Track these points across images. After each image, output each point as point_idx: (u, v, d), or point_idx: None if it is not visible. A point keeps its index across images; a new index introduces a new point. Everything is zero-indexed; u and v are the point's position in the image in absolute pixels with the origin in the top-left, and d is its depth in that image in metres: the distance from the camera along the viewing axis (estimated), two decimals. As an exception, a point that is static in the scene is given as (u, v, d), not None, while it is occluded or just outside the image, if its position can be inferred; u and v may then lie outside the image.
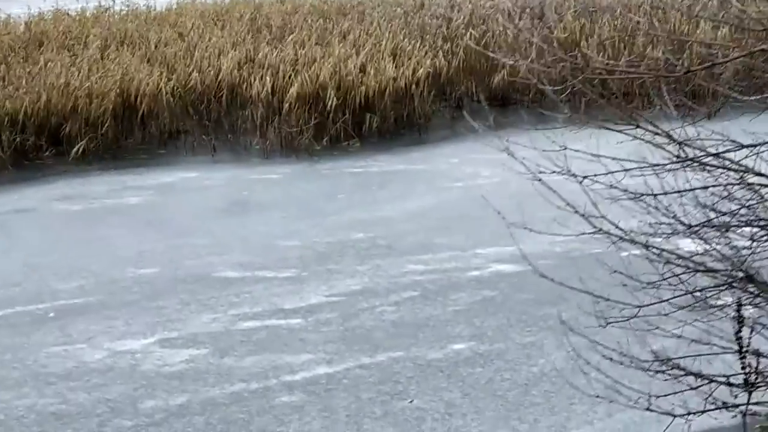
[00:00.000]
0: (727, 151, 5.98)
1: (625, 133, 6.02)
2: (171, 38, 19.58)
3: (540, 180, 5.94)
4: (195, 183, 14.20)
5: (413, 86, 16.87)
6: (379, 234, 11.48)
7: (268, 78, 16.37)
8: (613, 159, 6.10)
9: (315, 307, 9.24)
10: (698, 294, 6.10)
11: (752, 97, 5.56)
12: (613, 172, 6.22)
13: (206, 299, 9.42)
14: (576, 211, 6.06)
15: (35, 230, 11.87)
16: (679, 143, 6.07)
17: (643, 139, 6.00)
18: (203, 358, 8.16)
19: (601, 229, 6.46)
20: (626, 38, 17.57)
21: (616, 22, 19.36)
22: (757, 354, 5.90)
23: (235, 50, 17.93)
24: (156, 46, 19.07)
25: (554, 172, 5.99)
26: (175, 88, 16.41)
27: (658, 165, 6.18)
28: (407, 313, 9.12)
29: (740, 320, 5.79)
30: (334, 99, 16.11)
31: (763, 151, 6.09)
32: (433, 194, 13.16)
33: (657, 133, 5.94)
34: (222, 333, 8.64)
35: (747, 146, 5.92)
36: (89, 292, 9.64)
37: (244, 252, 10.85)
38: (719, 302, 6.24)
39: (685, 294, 6.16)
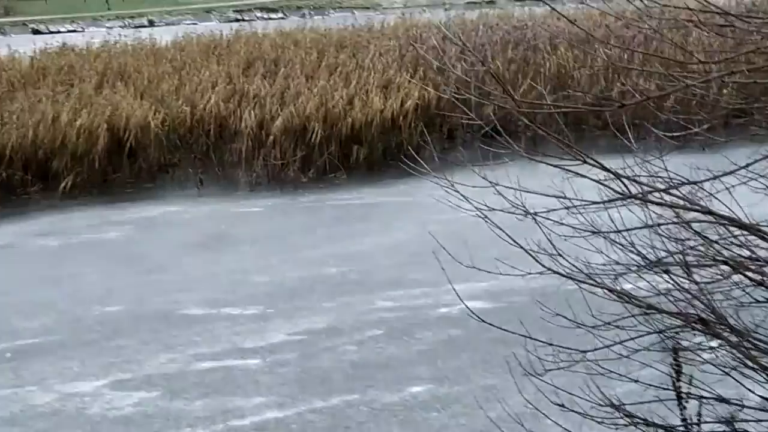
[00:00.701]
0: (671, 187, 5.79)
1: (566, 169, 5.87)
2: (166, 73, 19.63)
3: (485, 218, 5.78)
4: (176, 217, 14.11)
5: (400, 118, 16.77)
6: (352, 269, 11.31)
7: (254, 111, 16.34)
8: (559, 197, 5.93)
9: (275, 346, 9.07)
10: (655, 336, 5.92)
11: (674, 134, 5.36)
12: (554, 210, 6.05)
13: (167, 338, 9.27)
14: (525, 250, 5.91)
15: (7, 267, 11.81)
16: (621, 179, 5.89)
17: (588, 177, 5.83)
18: (153, 401, 7.99)
19: (550, 269, 6.31)
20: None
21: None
22: (700, 400, 5.69)
23: (227, 84, 17.93)
24: (150, 81, 19.12)
25: (504, 209, 5.81)
26: (164, 122, 16.39)
27: (598, 202, 6.01)
28: (369, 353, 8.93)
29: (677, 369, 5.59)
30: (320, 131, 16.04)
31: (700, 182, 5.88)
32: (413, 227, 12.97)
33: (606, 169, 5.78)
34: (176, 374, 8.48)
35: (691, 183, 5.72)
36: (50, 331, 9.52)
37: (212, 288, 10.71)
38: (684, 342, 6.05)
39: (641, 336, 5.98)
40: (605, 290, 6.00)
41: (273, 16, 67.47)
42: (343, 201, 14.68)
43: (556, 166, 5.98)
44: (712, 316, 5.98)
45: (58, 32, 56.86)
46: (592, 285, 6.00)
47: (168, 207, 14.69)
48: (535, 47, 20.10)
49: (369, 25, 27.34)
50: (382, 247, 12.18)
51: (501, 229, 5.94)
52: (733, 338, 6.01)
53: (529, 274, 6.20)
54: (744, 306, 5.98)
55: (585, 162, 5.96)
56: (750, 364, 6.02)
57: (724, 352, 6.00)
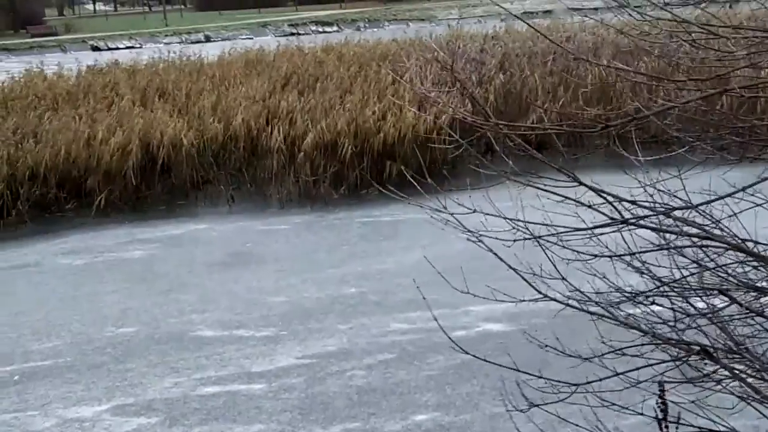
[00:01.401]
0: (661, 212, 5.49)
1: (556, 193, 5.62)
2: (205, 89, 19.70)
3: (479, 241, 5.56)
4: (203, 235, 14.06)
5: (434, 132, 16.51)
6: (372, 289, 11.10)
7: (285, 127, 16.26)
8: (546, 224, 5.69)
9: (283, 370, 8.88)
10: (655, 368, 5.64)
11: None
12: (542, 237, 5.81)
13: (175, 361, 9.15)
14: (522, 276, 5.70)
15: (29, 286, 11.84)
16: (612, 204, 5.63)
17: (579, 202, 5.58)
18: (151, 428, 7.86)
19: (546, 295, 6.10)
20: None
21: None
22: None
23: (263, 100, 17.90)
24: (188, 97, 19.20)
25: (512, 229, 5.59)
26: (197, 139, 16.40)
27: (584, 228, 5.74)
28: (377, 378, 8.69)
29: (663, 408, 5.28)
30: (352, 147, 15.89)
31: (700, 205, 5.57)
32: (440, 245, 12.66)
33: (597, 192, 5.52)
34: (179, 399, 8.34)
35: (678, 208, 5.41)
36: (60, 353, 9.48)
37: (228, 309, 10.59)
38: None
39: (642, 368, 5.69)
40: (604, 318, 5.77)
41: (327, 29, 67.96)
42: (373, 218, 14.49)
43: (545, 189, 5.73)
44: (729, 344, 5.66)
45: (117, 49, 58.03)
46: (588, 312, 5.77)
47: (197, 224, 14.65)
48: (578, 58, 19.70)
49: (417, 37, 27.15)
50: (405, 265, 11.94)
51: (494, 253, 5.72)
52: (746, 368, 5.69)
53: (522, 300, 5.98)
54: (748, 336, 5.65)
55: (581, 184, 5.70)
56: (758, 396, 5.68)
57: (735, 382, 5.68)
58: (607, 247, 5.71)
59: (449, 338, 5.63)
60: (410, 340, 9.55)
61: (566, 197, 5.83)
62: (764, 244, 5.66)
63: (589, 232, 5.91)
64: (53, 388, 8.67)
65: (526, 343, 5.81)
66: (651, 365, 5.66)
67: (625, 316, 5.70)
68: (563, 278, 6.01)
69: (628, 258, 5.73)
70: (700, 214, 5.61)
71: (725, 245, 5.53)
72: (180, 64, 25.64)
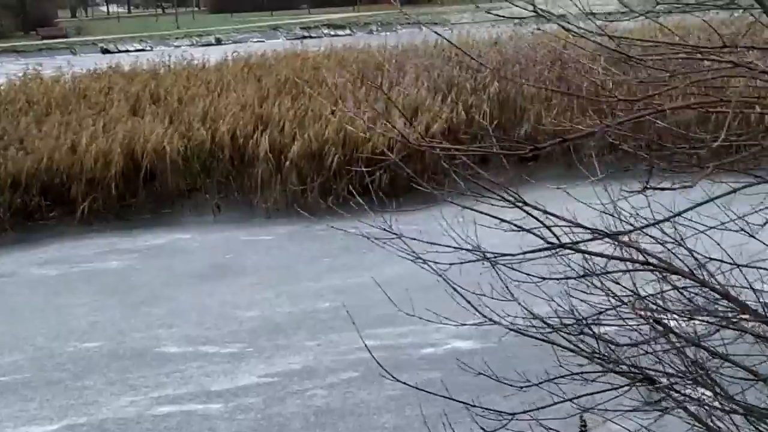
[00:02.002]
0: (596, 237, 5.26)
1: (493, 217, 5.41)
2: (199, 95, 19.52)
3: (423, 261, 5.37)
4: (185, 245, 13.87)
5: (424, 140, 16.24)
6: (346, 303, 10.78)
7: (273, 135, 16.05)
8: (474, 251, 5.48)
9: (243, 389, 8.67)
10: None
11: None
12: (490, 259, 5.61)
13: (134, 378, 8.96)
14: (467, 300, 5.52)
15: (0, 297, 11.68)
16: (549, 228, 5.42)
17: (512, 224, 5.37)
18: (99, 448, 7.66)
19: (491, 319, 5.93)
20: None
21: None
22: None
23: (254, 107, 17.71)
24: (180, 103, 19.03)
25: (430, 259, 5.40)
26: (184, 146, 16.21)
27: (520, 253, 5.55)
28: (337, 398, 8.47)
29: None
30: (341, 156, 15.67)
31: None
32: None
33: (534, 216, 5.31)
34: (132, 419, 8.15)
35: (611, 234, 5.17)
36: (20, 369, 9.31)
37: (197, 323, 10.39)
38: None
39: (580, 397, 5.47)
40: (550, 343, 5.60)
41: (340, 32, 67.76)
42: (357, 229, 14.25)
43: (480, 212, 5.55)
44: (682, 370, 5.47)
45: (127, 51, 58.03)
46: (530, 336, 5.62)
47: (180, 234, 14.47)
48: (574, 66, 19.35)
49: (417, 42, 26.88)
50: (382, 279, 11.62)
51: (441, 275, 5.55)
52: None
53: (464, 324, 5.83)
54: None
55: (520, 205, 5.50)
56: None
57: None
58: (570, 266, 5.49)
59: (378, 363, 5.46)
60: (378, 358, 9.29)
61: (501, 219, 5.64)
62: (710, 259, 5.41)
63: (536, 254, 5.71)
64: (6, 406, 8.49)
65: (494, 360, 5.59)
66: (592, 393, 5.46)
67: (577, 339, 5.51)
68: (516, 300, 5.84)
69: (579, 281, 5.52)
70: (663, 232, 5.39)
71: (662, 269, 5.30)
72: (180, 69, 25.53)
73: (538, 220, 5.55)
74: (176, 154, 15.77)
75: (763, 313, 5.21)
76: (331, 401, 8.42)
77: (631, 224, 5.37)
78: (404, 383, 5.24)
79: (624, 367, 5.54)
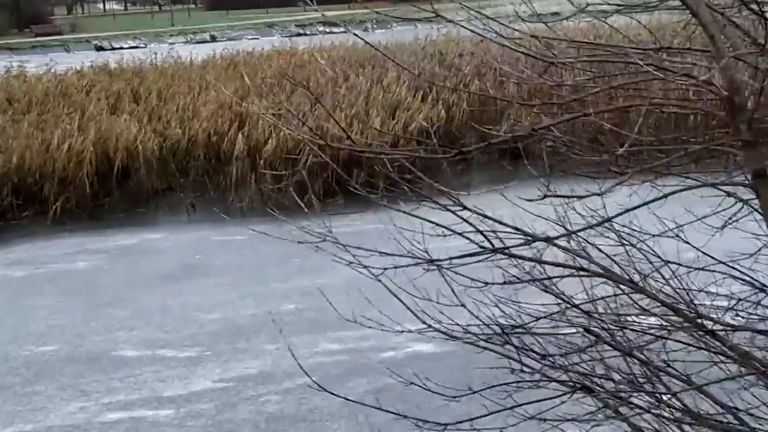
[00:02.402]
0: (525, 242, 5.11)
1: (429, 221, 5.27)
2: (180, 93, 19.35)
3: (365, 267, 5.24)
4: (155, 245, 13.69)
5: (401, 140, 16.08)
6: (311, 305, 10.69)
7: (249, 134, 15.89)
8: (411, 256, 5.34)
9: (196, 395, 8.51)
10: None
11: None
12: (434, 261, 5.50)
13: (87, 383, 8.80)
14: (405, 305, 5.43)
15: (-38, 300, 11.52)
16: (483, 233, 5.29)
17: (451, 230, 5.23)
18: (43, 456, 7.50)
19: (430, 326, 5.82)
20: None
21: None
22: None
23: (233, 106, 17.53)
24: (163, 101, 18.87)
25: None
26: (159, 145, 16.05)
27: (458, 256, 5.42)
28: (291, 404, 8.30)
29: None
30: (316, 154, 15.49)
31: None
32: (393, 258, 12.30)
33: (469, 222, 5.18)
34: (80, 426, 7.98)
35: (545, 239, 5.02)
36: (-27, 373, 9.14)
37: (158, 326, 10.22)
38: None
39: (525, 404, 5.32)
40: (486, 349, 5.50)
41: (335, 30, 67.49)
42: (333, 228, 14.07)
43: (416, 216, 5.47)
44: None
45: (121, 48, 57.80)
46: (472, 343, 5.53)
47: (153, 234, 14.30)
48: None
49: (404, 40, 26.68)
50: (350, 280, 11.50)
51: (386, 286, 5.50)
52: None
53: (402, 332, 5.76)
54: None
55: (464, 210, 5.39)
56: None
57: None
58: (525, 271, 5.35)
59: (301, 368, 5.32)
60: (336, 362, 9.16)
61: (436, 223, 5.53)
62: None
63: (469, 258, 5.59)
64: (-46, 412, 8.33)
65: (455, 364, 5.44)
66: (528, 403, 5.32)
67: (520, 345, 5.38)
68: (464, 305, 5.74)
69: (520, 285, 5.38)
70: (620, 238, 5.24)
71: (597, 274, 5.16)
72: (166, 66, 25.39)
73: (469, 223, 5.41)
74: (151, 153, 15.61)
75: (698, 319, 5.06)
76: (285, 407, 8.25)
77: (567, 228, 5.23)
78: (333, 393, 5.07)
79: (563, 375, 5.40)
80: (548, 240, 5.15)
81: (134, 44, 59.82)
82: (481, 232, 5.28)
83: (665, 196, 4.94)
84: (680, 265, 5.38)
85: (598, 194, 4.24)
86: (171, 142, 16.13)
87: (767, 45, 4.38)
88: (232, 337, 9.84)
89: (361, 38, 4.73)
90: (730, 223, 5.46)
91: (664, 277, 5.48)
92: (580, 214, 5.29)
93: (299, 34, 59.87)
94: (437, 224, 5.62)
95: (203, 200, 15.85)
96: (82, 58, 33.08)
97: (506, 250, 5.39)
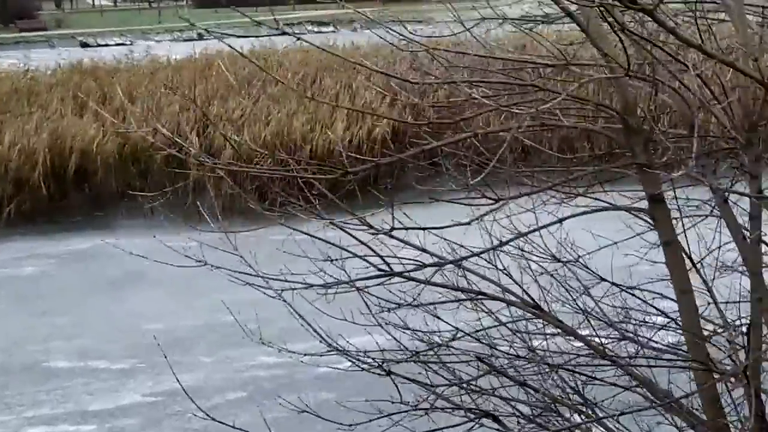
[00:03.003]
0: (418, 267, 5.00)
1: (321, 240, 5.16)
2: (145, 93, 19.14)
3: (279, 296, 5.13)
4: (109, 250, 13.33)
5: (365, 145, 15.92)
6: (255, 316, 10.48)
7: (210, 136, 15.69)
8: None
9: (122, 409, 8.33)
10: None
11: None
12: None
13: (12, 396, 8.61)
14: (308, 323, 5.40)
15: None
16: (383, 257, 5.19)
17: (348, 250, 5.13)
18: (-46, 474, 7.30)
19: (337, 348, 5.79)
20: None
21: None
22: None
23: (207, 106, 17.34)
24: (130, 101, 18.65)
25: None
26: (119, 147, 15.84)
27: (353, 280, 5.33)
28: (214, 423, 8.09)
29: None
30: (277, 159, 15.30)
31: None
32: (346, 268, 12.12)
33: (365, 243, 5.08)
34: (-3, 441, 7.79)
35: (428, 265, 4.88)
36: None
37: (97, 335, 10.03)
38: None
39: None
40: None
41: (324, 29, 67.27)
42: (288, 235, 13.90)
43: (308, 234, 5.45)
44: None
45: (106, 45, 57.44)
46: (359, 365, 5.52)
47: (107, 238, 13.99)
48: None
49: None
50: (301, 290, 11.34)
51: (291, 307, 5.48)
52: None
53: (306, 355, 5.75)
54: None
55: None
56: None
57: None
58: (448, 289, 5.23)
59: (186, 393, 5.21)
60: (272, 376, 8.98)
61: (332, 244, 5.48)
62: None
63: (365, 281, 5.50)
64: None
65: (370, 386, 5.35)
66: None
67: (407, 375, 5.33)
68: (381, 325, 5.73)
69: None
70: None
71: (494, 298, 5.03)
72: (140, 66, 25.24)
73: (365, 244, 5.28)
74: (109, 154, 15.40)
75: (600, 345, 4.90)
76: (210, 425, 8.02)
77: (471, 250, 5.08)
78: (212, 419, 4.91)
79: (469, 402, 5.28)
80: (436, 265, 5.02)
81: (120, 41, 59.49)
82: (382, 257, 5.15)
83: (560, 221, 4.79)
84: (584, 286, 5.23)
85: (463, 224, 4.11)
86: (132, 144, 15.91)
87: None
88: (170, 349, 9.58)
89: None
90: (627, 243, 5.31)
91: (573, 299, 5.33)
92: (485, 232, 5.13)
93: (285, 33, 59.59)
94: (334, 245, 5.49)
95: (163, 204, 15.62)
96: (66, 55, 32.88)
97: (403, 274, 5.26)
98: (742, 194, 4.22)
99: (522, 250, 5.12)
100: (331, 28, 67.47)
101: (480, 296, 5.17)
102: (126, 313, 10.75)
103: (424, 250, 5.46)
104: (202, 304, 10.94)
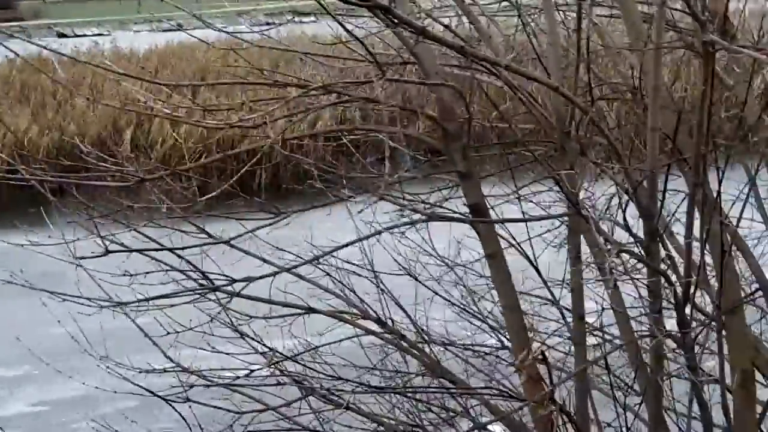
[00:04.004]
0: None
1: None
2: (92, 87, 18.81)
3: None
4: (26, 250, 13.13)
5: (307, 140, 15.57)
6: (165, 318, 10.20)
7: (144, 132, 15.38)
8: None
9: (5, 420, 8.08)
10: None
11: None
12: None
13: None
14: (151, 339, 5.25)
15: None
16: (205, 276, 5.10)
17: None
18: None
19: (177, 364, 5.69)
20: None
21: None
22: None
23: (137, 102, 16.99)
24: (73, 95, 18.33)
25: None
26: (52, 142, 15.53)
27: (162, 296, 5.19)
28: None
29: None
30: (216, 155, 14.99)
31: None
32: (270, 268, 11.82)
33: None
34: None
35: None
36: None
37: (-4, 341, 9.72)
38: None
39: None
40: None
41: (305, 20, 66.88)
42: (219, 233, 13.60)
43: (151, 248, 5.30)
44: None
45: (84, 36, 56.94)
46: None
47: (32, 237, 13.73)
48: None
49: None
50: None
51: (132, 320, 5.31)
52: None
53: (147, 371, 5.63)
54: None
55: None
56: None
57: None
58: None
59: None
60: (169, 383, 8.67)
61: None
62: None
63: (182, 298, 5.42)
64: None
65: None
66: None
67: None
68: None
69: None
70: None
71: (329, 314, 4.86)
72: (100, 58, 24.91)
73: (188, 261, 5.17)
74: (37, 150, 15.09)
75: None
76: (95, 434, 7.77)
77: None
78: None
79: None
80: (246, 280, 4.85)
81: (98, 31, 59.09)
82: (201, 271, 4.97)
83: (378, 233, 4.52)
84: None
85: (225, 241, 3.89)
86: (66, 140, 15.59)
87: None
88: (69, 354, 9.32)
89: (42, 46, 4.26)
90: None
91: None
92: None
93: (267, 23, 59.27)
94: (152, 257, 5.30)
95: (101, 201, 15.31)
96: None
97: (220, 289, 5.12)
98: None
99: (350, 262, 4.87)
100: (312, 18, 67.16)
101: (312, 311, 4.92)
102: (31, 317, 10.42)
103: (264, 261, 5.32)
104: (109, 308, 10.63)
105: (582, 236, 3.86)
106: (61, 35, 57.54)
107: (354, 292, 4.59)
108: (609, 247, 3.73)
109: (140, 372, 5.05)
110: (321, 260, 4.51)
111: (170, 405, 4.85)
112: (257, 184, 15.25)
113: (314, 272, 4.73)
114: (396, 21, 3.15)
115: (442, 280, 5.12)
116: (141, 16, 65.13)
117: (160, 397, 4.80)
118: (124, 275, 4.63)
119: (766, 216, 4.62)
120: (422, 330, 4.69)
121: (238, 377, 4.88)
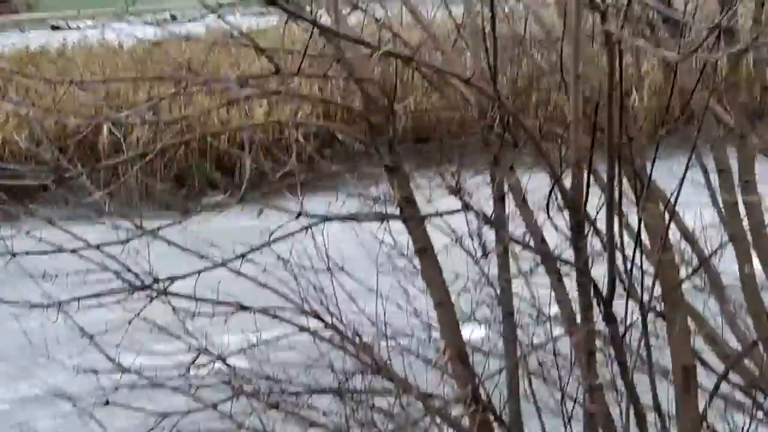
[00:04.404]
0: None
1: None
2: (64, 80, 18.70)
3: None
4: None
5: (286, 130, 15.47)
6: (144, 314, 10.14)
7: (120, 126, 15.28)
8: None
9: None
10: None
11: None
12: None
13: None
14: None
15: None
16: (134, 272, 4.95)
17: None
18: None
19: (125, 369, 5.57)
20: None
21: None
22: None
23: (120, 95, 16.92)
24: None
25: None
26: (30, 135, 15.41)
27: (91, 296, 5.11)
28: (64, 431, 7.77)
29: None
30: (194, 147, 14.93)
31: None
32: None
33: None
34: None
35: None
36: None
37: (-36, 338, 9.64)
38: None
39: None
40: None
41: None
42: (194, 229, 13.52)
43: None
44: None
45: (78, 28, 56.74)
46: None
47: (13, 231, 13.68)
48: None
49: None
50: (201, 285, 10.97)
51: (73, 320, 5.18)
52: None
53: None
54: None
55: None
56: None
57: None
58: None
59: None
60: (130, 382, 8.59)
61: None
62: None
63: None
64: None
65: None
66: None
67: None
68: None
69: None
70: None
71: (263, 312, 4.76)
72: (86, 51, 24.95)
73: (116, 259, 5.02)
74: (16, 145, 15.02)
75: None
76: (57, 432, 7.71)
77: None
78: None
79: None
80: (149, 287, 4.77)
81: (92, 23, 58.90)
82: (128, 268, 4.86)
83: (308, 227, 4.41)
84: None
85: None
86: (45, 134, 15.46)
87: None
88: (38, 351, 9.23)
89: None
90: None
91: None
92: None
93: (261, 13, 59.01)
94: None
95: (79, 196, 15.25)
96: (32, 39, 32.49)
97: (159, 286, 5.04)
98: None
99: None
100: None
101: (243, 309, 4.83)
102: (4, 312, 10.35)
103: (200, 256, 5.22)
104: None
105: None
106: (55, 27, 57.39)
107: (301, 290, 4.47)
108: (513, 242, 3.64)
109: (78, 374, 4.93)
110: (252, 256, 4.39)
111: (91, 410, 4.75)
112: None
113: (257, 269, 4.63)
114: (289, 13, 3.05)
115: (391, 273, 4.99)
116: (142, 8, 65.09)
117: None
118: (44, 276, 4.52)
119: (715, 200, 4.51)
120: (371, 326, 4.57)
121: (172, 378, 4.78)
